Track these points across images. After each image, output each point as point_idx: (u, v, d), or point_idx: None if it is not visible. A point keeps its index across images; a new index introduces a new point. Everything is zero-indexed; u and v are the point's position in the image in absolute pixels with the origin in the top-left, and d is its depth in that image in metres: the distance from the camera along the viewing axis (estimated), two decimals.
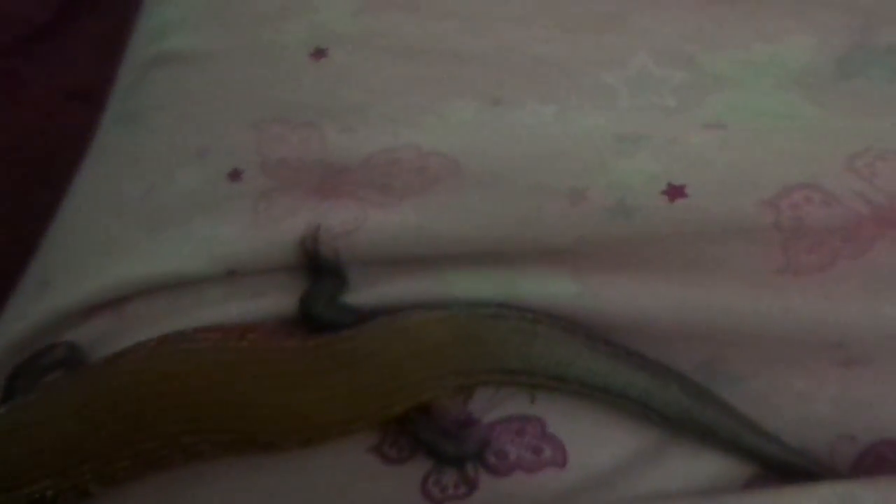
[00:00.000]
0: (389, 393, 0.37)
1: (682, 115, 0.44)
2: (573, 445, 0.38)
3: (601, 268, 0.40)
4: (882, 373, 0.38)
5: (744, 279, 0.39)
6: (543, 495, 0.37)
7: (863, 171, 0.40)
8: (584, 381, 0.38)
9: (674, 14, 0.48)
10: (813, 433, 0.38)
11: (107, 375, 0.38)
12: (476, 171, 0.43)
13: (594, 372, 0.38)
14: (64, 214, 0.49)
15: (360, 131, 0.45)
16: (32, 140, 0.92)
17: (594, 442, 0.38)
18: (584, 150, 0.43)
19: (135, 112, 0.50)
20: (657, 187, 0.41)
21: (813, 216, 0.39)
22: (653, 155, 0.42)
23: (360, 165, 0.44)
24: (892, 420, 0.38)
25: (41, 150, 0.89)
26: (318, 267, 0.41)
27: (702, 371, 0.39)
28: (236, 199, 0.44)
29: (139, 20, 0.57)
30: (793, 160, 0.41)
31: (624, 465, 0.38)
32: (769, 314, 0.38)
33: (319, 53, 0.48)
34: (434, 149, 0.44)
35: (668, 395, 0.38)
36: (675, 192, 0.40)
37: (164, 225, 0.44)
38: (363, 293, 0.41)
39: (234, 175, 0.45)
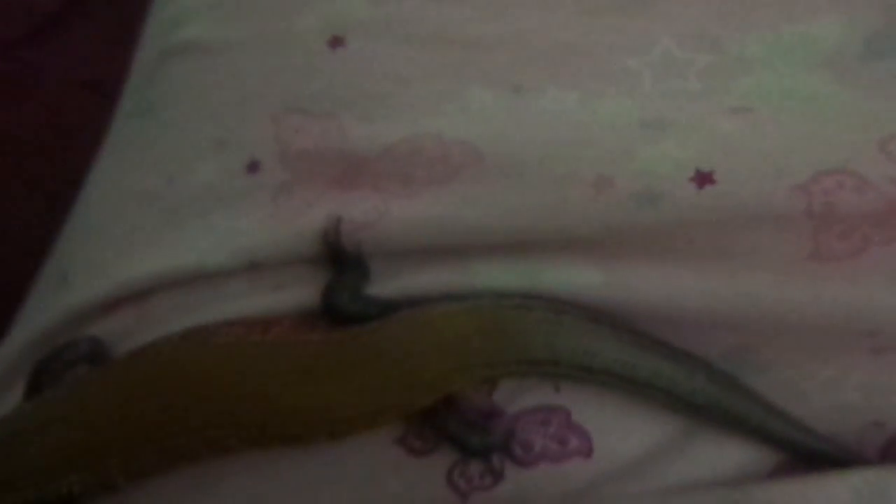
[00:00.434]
0: (414, 385, 0.37)
1: (708, 100, 0.43)
2: (599, 435, 0.38)
3: (627, 256, 0.39)
4: None
5: (773, 267, 0.38)
6: (569, 485, 0.37)
7: None
8: (610, 370, 0.38)
9: None
10: (841, 420, 0.38)
11: (132, 370, 0.38)
12: (499, 159, 0.42)
13: (620, 361, 0.38)
14: (81, 208, 0.49)
15: (379, 121, 0.45)
16: (46, 131, 0.92)
17: (620, 432, 0.38)
18: (609, 137, 0.42)
19: (150, 104, 0.50)
20: (685, 174, 0.40)
21: (845, 202, 0.38)
22: (679, 141, 0.41)
23: (381, 156, 0.43)
24: None
25: (55, 142, 0.89)
26: (341, 259, 0.41)
27: (729, 359, 0.39)
28: (255, 191, 0.44)
29: (153, 9, 0.57)
30: (824, 144, 0.40)
31: (650, 454, 0.38)
32: (798, 302, 0.38)
33: (336, 42, 0.48)
34: (455, 137, 0.43)
35: (695, 383, 0.38)
36: (703, 178, 0.40)
37: (184, 218, 0.44)
38: (386, 285, 0.40)
39: (253, 167, 0.45)
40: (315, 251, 0.41)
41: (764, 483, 0.37)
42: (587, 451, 0.37)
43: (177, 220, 0.44)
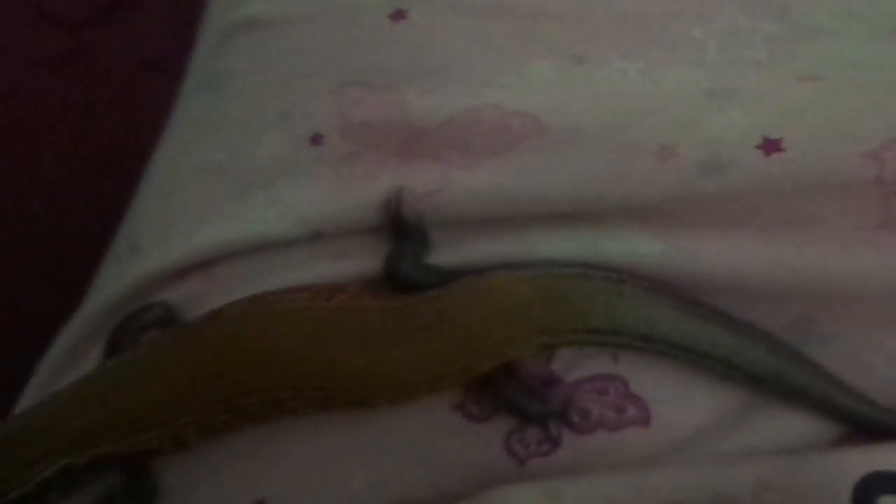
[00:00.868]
0: (474, 352, 0.37)
1: (775, 68, 0.43)
2: (657, 405, 0.38)
3: (690, 226, 0.39)
4: None
5: (840, 236, 0.38)
6: (627, 454, 0.37)
7: None
8: (670, 340, 0.38)
9: None
10: None
11: (203, 333, 0.39)
12: (560, 129, 0.42)
13: (681, 331, 0.38)
14: (150, 180, 0.51)
15: (440, 93, 0.45)
16: (112, 110, 0.94)
17: (679, 402, 0.38)
18: (673, 107, 0.42)
19: (216, 78, 0.51)
20: (751, 141, 0.39)
21: None
22: (745, 109, 0.41)
23: (441, 126, 0.44)
24: None
25: (122, 121, 0.91)
26: (402, 228, 0.41)
27: (793, 330, 0.38)
28: (318, 163, 0.44)
29: None
30: (893, 112, 0.40)
31: (709, 425, 0.37)
32: (866, 271, 0.37)
33: (398, 15, 0.48)
34: (516, 108, 0.43)
35: (756, 354, 0.38)
36: (770, 145, 0.39)
37: (250, 189, 0.45)
38: (447, 254, 0.41)
39: (316, 139, 0.45)
40: (377, 221, 0.42)
41: (824, 452, 0.37)
42: (645, 421, 0.37)
43: (242, 191, 0.45)
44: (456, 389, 0.38)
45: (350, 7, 0.49)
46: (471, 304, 0.38)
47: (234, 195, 0.45)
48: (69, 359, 0.44)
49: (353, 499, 0.38)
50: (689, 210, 0.39)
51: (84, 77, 0.97)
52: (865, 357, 0.38)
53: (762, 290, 0.38)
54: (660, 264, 0.39)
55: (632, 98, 0.43)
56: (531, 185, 0.41)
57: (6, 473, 0.36)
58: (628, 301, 0.38)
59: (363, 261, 0.41)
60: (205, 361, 0.38)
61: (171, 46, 0.62)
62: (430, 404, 0.38)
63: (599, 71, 0.44)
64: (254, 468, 0.39)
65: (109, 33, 0.99)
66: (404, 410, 0.38)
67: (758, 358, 0.38)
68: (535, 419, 0.38)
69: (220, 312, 0.39)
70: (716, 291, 0.39)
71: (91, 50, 0.99)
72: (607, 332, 0.38)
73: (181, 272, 0.44)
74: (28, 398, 0.44)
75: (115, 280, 0.46)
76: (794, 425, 0.38)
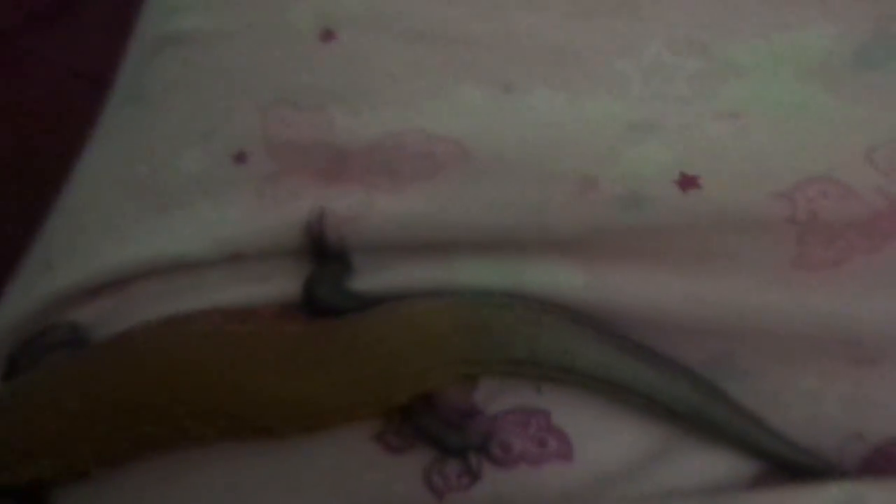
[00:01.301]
0: (392, 381, 0.37)
1: (696, 105, 0.43)
2: (579, 439, 0.37)
3: (610, 258, 0.39)
4: (895, 371, 0.37)
5: (756, 273, 0.38)
6: (548, 489, 0.36)
7: (881, 164, 0.39)
8: (590, 373, 0.37)
9: (690, 1, 0.47)
10: (822, 432, 0.37)
11: (109, 357, 0.37)
12: (484, 157, 0.42)
13: (601, 364, 0.37)
14: (68, 194, 0.49)
15: (366, 115, 0.44)
16: (39, 118, 0.92)
17: (600, 436, 0.38)
18: (596, 138, 0.42)
19: (142, 92, 0.50)
20: (669, 177, 0.40)
21: (829, 210, 0.38)
22: (665, 144, 0.41)
23: (367, 149, 0.43)
24: None
25: (48, 129, 0.89)
26: (323, 252, 0.40)
27: (711, 365, 0.38)
28: (241, 181, 0.44)
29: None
30: (810, 152, 0.40)
31: (631, 460, 0.37)
32: (782, 309, 0.37)
33: (328, 35, 0.47)
34: (441, 134, 0.43)
35: (677, 390, 0.38)
36: (687, 182, 0.40)
37: (169, 207, 0.44)
38: (368, 279, 0.40)
39: (240, 157, 0.44)
40: (298, 243, 0.41)
41: (743, 494, 0.37)
42: (567, 455, 0.37)
43: (161, 209, 0.44)
44: (375, 420, 0.38)
45: (280, 26, 0.48)
46: (389, 331, 0.37)
47: (153, 212, 0.44)
48: None
49: None
50: (610, 243, 0.40)
51: (12, 84, 0.94)
52: (783, 395, 0.38)
53: (682, 325, 0.38)
54: (582, 297, 0.39)
55: (556, 127, 0.43)
56: (454, 211, 0.41)
57: None
58: (548, 331, 0.38)
59: (284, 283, 0.40)
60: (108, 386, 0.36)
61: (103, 56, 0.61)
62: (347, 434, 0.37)
63: (525, 99, 0.44)
64: (159, 500, 0.37)
65: (42, 42, 0.98)
66: (320, 441, 0.37)
67: (679, 394, 0.38)
68: (454, 451, 0.37)
69: (129, 334, 0.38)
70: (637, 325, 0.39)
71: (22, 57, 0.97)
72: (527, 363, 0.37)
73: (93, 291, 0.42)
74: None
75: (24, 297, 0.44)
76: (715, 462, 0.38)
